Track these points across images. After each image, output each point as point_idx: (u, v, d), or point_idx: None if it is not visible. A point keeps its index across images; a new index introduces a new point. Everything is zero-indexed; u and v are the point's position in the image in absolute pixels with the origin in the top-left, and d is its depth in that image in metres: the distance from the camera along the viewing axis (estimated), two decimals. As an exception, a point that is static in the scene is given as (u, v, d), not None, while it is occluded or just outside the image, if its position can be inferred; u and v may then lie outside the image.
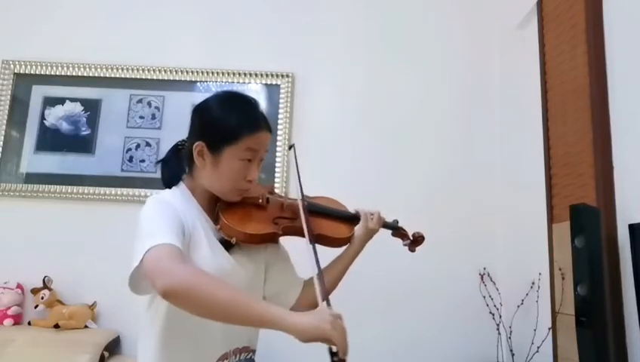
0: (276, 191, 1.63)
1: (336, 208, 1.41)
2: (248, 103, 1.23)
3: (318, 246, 1.18)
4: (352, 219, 1.39)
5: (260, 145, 1.19)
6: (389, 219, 1.53)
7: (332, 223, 1.34)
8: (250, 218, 1.22)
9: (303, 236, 1.21)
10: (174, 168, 1.28)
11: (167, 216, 1.09)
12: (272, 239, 1.27)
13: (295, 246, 1.32)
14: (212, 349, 1.17)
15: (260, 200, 1.26)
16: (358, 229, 1.38)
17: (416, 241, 1.54)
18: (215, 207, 1.23)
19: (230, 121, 1.17)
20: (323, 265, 1.22)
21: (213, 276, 1.03)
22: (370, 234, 1.39)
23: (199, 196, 1.22)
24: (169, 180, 1.28)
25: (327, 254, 1.35)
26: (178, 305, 0.98)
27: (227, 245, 1.22)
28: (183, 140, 1.29)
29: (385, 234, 1.56)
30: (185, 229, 1.11)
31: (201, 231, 1.18)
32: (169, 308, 1.11)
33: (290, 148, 1.35)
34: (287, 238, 1.31)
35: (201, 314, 0.98)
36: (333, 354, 0.93)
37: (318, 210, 1.34)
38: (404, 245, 1.55)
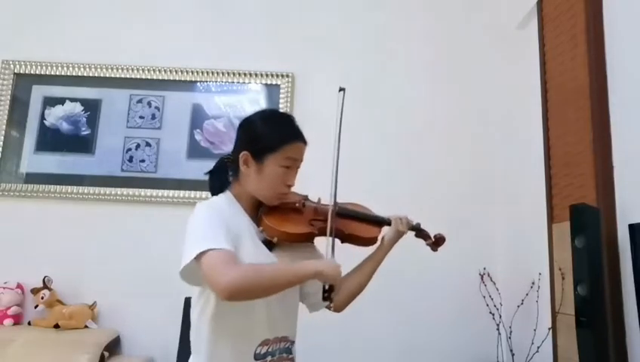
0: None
1: (364, 211, 1.56)
2: (287, 118, 1.42)
3: (350, 246, 1.41)
4: (380, 222, 1.54)
5: (297, 155, 1.36)
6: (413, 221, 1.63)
7: (361, 225, 1.49)
8: (288, 220, 1.38)
9: (337, 237, 1.40)
10: (221, 178, 1.43)
11: (217, 221, 1.25)
12: (308, 238, 1.42)
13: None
14: (256, 333, 1.31)
15: (297, 204, 1.43)
16: (389, 232, 1.53)
17: (437, 242, 1.66)
18: (258, 211, 1.39)
19: (272, 134, 1.34)
20: (353, 266, 1.48)
21: (255, 265, 1.23)
22: (399, 236, 1.54)
23: (244, 202, 1.38)
24: (216, 189, 1.42)
25: (357, 256, 1.51)
26: (238, 300, 1.19)
27: (269, 245, 1.37)
28: (228, 155, 1.45)
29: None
30: (231, 232, 1.25)
31: (246, 232, 1.33)
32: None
33: (340, 90, 1.46)
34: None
35: (259, 296, 1.22)
36: (326, 291, 1.26)
37: (348, 214, 1.49)
38: (427, 245, 1.67)
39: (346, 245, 1.47)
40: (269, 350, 1.31)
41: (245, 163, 1.34)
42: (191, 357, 1.34)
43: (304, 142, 1.38)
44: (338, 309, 1.48)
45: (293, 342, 1.39)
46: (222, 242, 1.19)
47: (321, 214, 1.43)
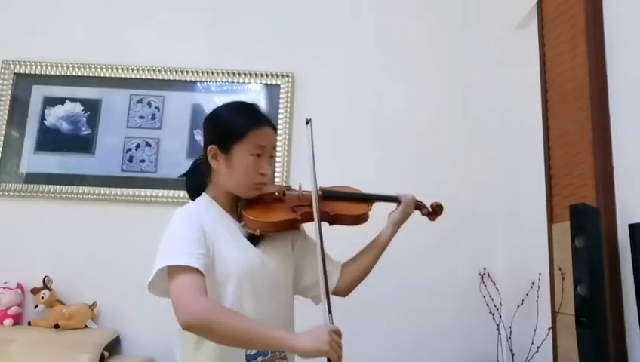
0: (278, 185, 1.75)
1: (349, 191, 1.51)
2: (250, 106, 1.38)
3: (338, 227, 1.37)
4: (367, 198, 1.49)
5: (265, 140, 1.31)
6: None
7: (348, 204, 1.45)
8: (269, 209, 1.34)
9: (324, 220, 1.34)
10: (197, 181, 1.39)
11: (191, 232, 1.21)
12: (292, 225, 1.38)
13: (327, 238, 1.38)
14: None
15: (277, 193, 1.38)
16: (395, 212, 1.50)
17: (435, 211, 1.62)
18: (237, 207, 1.35)
19: (236, 122, 1.31)
20: (355, 251, 1.45)
21: (229, 310, 1.17)
22: (406, 216, 1.51)
23: (222, 201, 1.34)
24: (194, 193, 1.40)
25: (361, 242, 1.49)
26: (198, 335, 1.15)
27: (254, 240, 1.33)
28: (201, 156, 1.40)
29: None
30: (208, 240, 1.23)
31: (227, 233, 1.30)
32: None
33: (307, 122, 1.42)
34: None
35: (220, 343, 1.14)
36: None
37: (332, 195, 1.45)
38: (424, 215, 1.62)
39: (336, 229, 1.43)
40: (260, 350, 1.26)
41: (214, 157, 1.30)
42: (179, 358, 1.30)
43: (272, 127, 1.34)
44: (343, 294, 1.46)
45: None
46: (193, 259, 1.15)
47: (303, 200, 1.39)
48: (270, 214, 1.33)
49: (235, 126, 1.30)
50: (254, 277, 1.27)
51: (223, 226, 1.31)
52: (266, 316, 1.27)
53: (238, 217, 1.34)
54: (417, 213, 1.62)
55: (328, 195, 1.44)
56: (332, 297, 1.32)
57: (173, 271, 1.16)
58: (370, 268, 1.47)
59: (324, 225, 1.35)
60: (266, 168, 1.32)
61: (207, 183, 1.38)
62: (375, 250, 1.48)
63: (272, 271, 1.32)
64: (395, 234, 1.51)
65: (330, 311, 1.19)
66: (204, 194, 1.36)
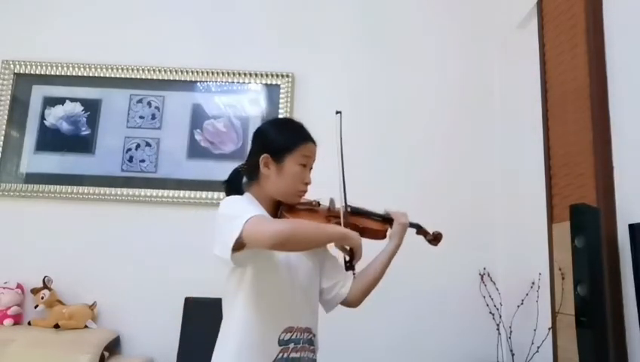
0: None
1: (372, 210, 1.65)
2: (298, 123, 1.57)
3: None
4: (385, 218, 1.64)
5: (311, 153, 1.50)
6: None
7: (371, 221, 1.61)
8: (307, 216, 1.49)
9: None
10: (236, 187, 1.53)
11: (247, 202, 1.40)
12: None
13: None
14: (281, 319, 1.38)
15: (313, 203, 1.56)
16: (395, 226, 1.62)
17: (436, 238, 1.73)
18: (276, 212, 1.48)
19: (288, 136, 1.49)
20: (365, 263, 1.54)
21: (296, 220, 1.40)
22: (405, 228, 1.64)
23: (263, 203, 1.46)
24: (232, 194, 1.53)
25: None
26: (283, 248, 1.30)
27: None
28: (242, 164, 1.56)
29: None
30: None
31: None
32: (252, 279, 1.37)
33: (337, 113, 1.59)
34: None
35: (300, 246, 1.33)
36: (348, 261, 1.39)
37: (359, 211, 1.60)
38: (427, 240, 1.74)
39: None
40: (293, 337, 1.37)
41: (266, 165, 1.45)
42: (219, 336, 1.40)
43: (314, 143, 1.52)
44: (354, 304, 1.56)
45: (315, 335, 1.45)
46: (257, 211, 1.29)
47: (334, 212, 1.54)
48: (310, 220, 1.47)
49: (288, 139, 1.47)
50: (291, 271, 1.42)
51: None
52: (298, 308, 1.41)
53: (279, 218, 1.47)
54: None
55: (355, 211, 1.58)
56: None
57: (247, 223, 1.24)
58: (379, 278, 1.57)
59: None
60: (309, 178, 1.49)
61: (243, 191, 1.51)
62: (383, 261, 1.58)
63: (306, 269, 1.47)
64: (399, 246, 1.60)
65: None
66: (246, 193, 1.49)
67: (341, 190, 1.51)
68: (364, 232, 1.54)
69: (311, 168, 1.51)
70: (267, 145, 1.48)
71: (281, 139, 1.48)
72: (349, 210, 1.54)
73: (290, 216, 1.45)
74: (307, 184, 1.49)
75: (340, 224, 1.46)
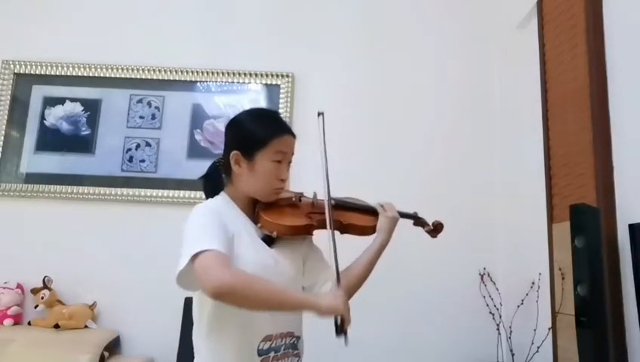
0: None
1: (359, 202, 1.56)
2: (272, 113, 1.47)
3: (349, 236, 1.39)
4: (374, 211, 1.53)
5: (286, 148, 1.36)
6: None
7: (358, 215, 1.50)
8: (287, 213, 1.39)
9: (336, 228, 1.39)
10: (215, 182, 1.43)
11: (212, 223, 1.24)
12: (308, 231, 1.42)
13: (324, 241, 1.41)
14: (258, 329, 1.29)
15: (294, 199, 1.44)
16: (381, 221, 1.50)
17: (436, 229, 1.66)
18: (254, 210, 1.39)
19: (260, 130, 1.35)
20: (351, 260, 1.43)
21: (252, 275, 1.20)
22: (393, 222, 1.51)
23: (240, 202, 1.38)
24: (210, 193, 1.42)
25: (355, 252, 1.46)
26: (227, 303, 1.17)
27: (269, 241, 1.37)
28: (220, 158, 1.45)
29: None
30: (228, 233, 1.26)
31: (244, 232, 1.33)
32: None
33: (319, 115, 1.42)
34: (319, 236, 1.43)
35: (247, 308, 1.19)
36: (338, 325, 1.19)
37: (344, 205, 1.50)
38: (426, 232, 1.66)
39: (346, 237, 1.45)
40: (273, 345, 1.30)
41: (237, 162, 1.34)
42: (195, 356, 1.33)
43: (292, 135, 1.38)
44: None
45: (299, 338, 1.37)
46: (217, 244, 1.18)
47: (317, 207, 1.44)
48: (288, 218, 1.37)
49: (258, 134, 1.34)
50: (268, 276, 1.27)
51: (241, 225, 1.34)
52: (277, 314, 1.30)
53: (255, 219, 1.38)
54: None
55: (340, 205, 1.48)
56: None
57: (199, 255, 1.16)
58: (364, 278, 1.45)
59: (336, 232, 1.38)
60: (285, 174, 1.36)
61: (224, 184, 1.41)
62: (367, 258, 1.46)
63: (285, 272, 1.35)
64: (388, 242, 1.50)
65: (339, 281, 1.27)
66: (222, 193, 1.40)
67: (325, 187, 1.37)
68: (350, 229, 1.45)
69: (289, 162, 1.39)
70: (238, 141, 1.35)
71: (253, 133, 1.34)
72: (332, 203, 1.40)
73: (266, 217, 1.34)
74: (283, 181, 1.36)
75: (323, 220, 1.35)
